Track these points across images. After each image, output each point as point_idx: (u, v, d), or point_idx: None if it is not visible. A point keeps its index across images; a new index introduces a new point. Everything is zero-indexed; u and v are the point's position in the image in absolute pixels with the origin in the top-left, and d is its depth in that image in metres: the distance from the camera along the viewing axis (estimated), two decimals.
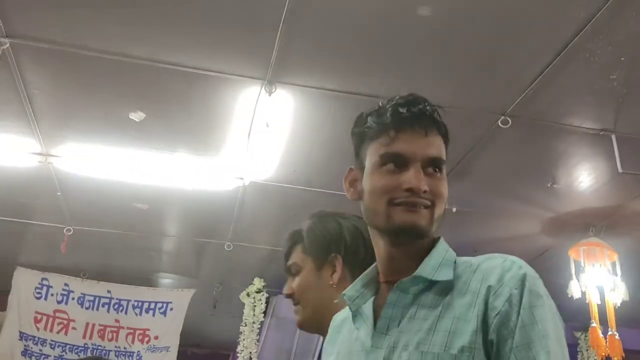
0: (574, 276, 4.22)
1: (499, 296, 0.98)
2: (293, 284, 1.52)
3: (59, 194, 4.20)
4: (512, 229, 4.60)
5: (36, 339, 5.21)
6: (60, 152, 3.74)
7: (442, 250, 1.12)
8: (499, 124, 3.24)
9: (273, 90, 3.06)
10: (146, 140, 3.61)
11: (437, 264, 1.08)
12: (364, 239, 1.50)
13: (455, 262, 1.09)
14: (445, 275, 1.06)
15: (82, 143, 3.66)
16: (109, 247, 5.11)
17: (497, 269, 1.03)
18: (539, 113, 3.19)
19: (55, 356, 5.23)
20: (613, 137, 3.31)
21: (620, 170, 3.34)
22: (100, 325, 5.37)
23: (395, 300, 1.07)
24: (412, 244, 1.11)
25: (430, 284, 1.06)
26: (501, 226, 4.56)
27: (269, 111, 3.24)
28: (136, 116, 3.32)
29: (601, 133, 3.31)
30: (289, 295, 1.52)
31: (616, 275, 4.17)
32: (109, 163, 3.84)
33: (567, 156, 3.59)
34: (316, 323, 1.48)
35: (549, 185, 3.91)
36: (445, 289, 1.05)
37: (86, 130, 3.53)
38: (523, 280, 0.99)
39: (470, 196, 4.15)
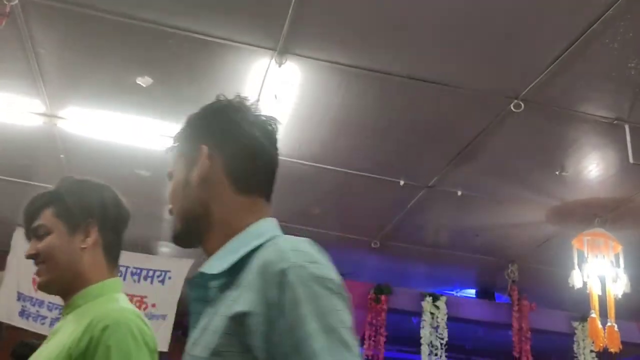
0: (576, 266, 4.19)
1: (256, 293, 0.87)
2: (39, 245, 1.50)
3: (62, 156, 4.16)
4: (516, 215, 4.56)
5: (34, 300, 5.22)
6: (65, 114, 3.69)
7: (237, 241, 1.02)
8: (512, 107, 3.18)
9: (283, 62, 3.01)
10: (152, 107, 3.56)
11: (222, 255, 1.01)
12: (121, 208, 1.66)
13: (255, 249, 0.97)
14: (217, 267, 0.98)
15: (88, 106, 3.61)
16: None
17: (262, 260, 0.91)
18: (552, 99, 3.13)
19: (52, 318, 5.23)
20: (627, 127, 3.25)
21: (631, 161, 3.29)
22: None
23: (196, 296, 1.02)
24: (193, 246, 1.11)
25: (225, 277, 0.97)
26: (505, 212, 4.52)
27: (277, 83, 3.18)
28: (143, 81, 3.27)
29: (615, 122, 3.26)
30: (31, 256, 1.50)
31: (619, 267, 4.14)
32: (113, 128, 3.79)
33: (578, 144, 3.54)
34: (60, 286, 1.50)
35: (557, 173, 3.86)
36: (228, 282, 0.95)
37: (92, 93, 3.48)
38: (283, 275, 0.85)
39: (476, 180, 4.11)
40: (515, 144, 3.66)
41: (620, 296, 4.16)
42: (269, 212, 1.13)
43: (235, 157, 1.10)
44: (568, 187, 4.05)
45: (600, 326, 4.25)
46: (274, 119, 1.16)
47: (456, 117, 3.41)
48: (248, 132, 1.12)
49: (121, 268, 5.37)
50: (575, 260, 4.22)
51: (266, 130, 1.16)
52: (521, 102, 3.15)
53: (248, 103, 1.14)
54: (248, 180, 1.11)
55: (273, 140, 1.17)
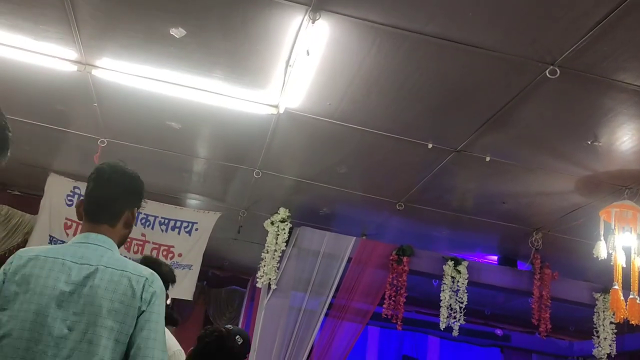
0: (602, 237, 4.16)
1: None
2: None
3: (95, 104, 4.23)
4: (544, 184, 4.52)
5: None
6: (99, 62, 3.73)
7: None
8: (547, 74, 3.12)
9: (317, 18, 2.98)
10: (184, 59, 3.57)
11: None
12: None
13: None
14: None
15: (122, 55, 3.64)
16: (140, 162, 5.17)
17: None
18: (590, 66, 3.06)
19: None
20: None
21: None
22: None
23: None
24: None
25: None
26: (533, 180, 4.49)
27: (310, 39, 3.16)
28: (177, 32, 3.27)
29: None
30: None
31: None
32: (146, 78, 3.82)
33: (613, 114, 3.47)
34: None
35: (589, 142, 3.80)
36: None
37: (126, 43, 3.51)
38: None
39: (506, 146, 4.07)
40: (548, 111, 3.60)
41: None
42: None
43: None
44: (599, 158, 3.99)
45: (622, 298, 4.24)
46: None
47: (489, 81, 3.36)
48: None
49: (150, 217, 5.50)
50: (602, 232, 4.19)
51: None
52: (557, 69, 3.09)
53: None
54: None
55: None
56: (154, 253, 5.53)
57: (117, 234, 1.88)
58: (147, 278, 1.76)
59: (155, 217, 5.58)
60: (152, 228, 5.59)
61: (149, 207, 5.58)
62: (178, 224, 5.62)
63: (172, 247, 5.58)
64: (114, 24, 3.35)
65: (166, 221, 5.59)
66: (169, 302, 7.87)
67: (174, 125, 4.40)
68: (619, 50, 2.91)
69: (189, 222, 5.63)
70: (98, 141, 4.76)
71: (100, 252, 1.79)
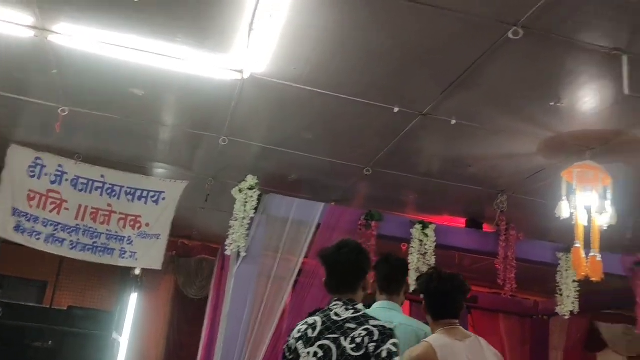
0: (564, 197, 4.24)
1: None
2: None
3: (55, 71, 4.11)
4: (508, 146, 4.58)
5: (29, 215, 5.29)
6: (56, 27, 3.62)
7: None
8: (510, 34, 3.13)
9: None
10: (146, 23, 3.49)
11: None
12: None
13: None
14: None
15: (80, 20, 3.53)
16: (104, 131, 5.08)
17: None
18: (552, 26, 3.08)
19: (47, 234, 5.33)
20: (624, 57, 3.21)
21: (626, 92, 3.28)
22: (92, 208, 5.45)
23: None
24: None
25: None
26: (498, 143, 4.54)
27: (273, 2, 3.11)
28: None
29: (613, 52, 3.21)
30: None
31: (606, 199, 4.19)
32: (107, 44, 3.73)
33: (575, 74, 3.51)
34: None
35: (552, 104, 3.85)
36: None
37: (85, 7, 3.41)
38: None
39: (471, 109, 4.10)
40: (511, 73, 3.62)
41: (605, 227, 4.24)
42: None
43: None
44: (562, 119, 4.05)
45: (583, 256, 4.35)
46: None
47: (453, 43, 3.36)
48: None
49: (116, 188, 5.43)
50: (564, 192, 4.27)
51: None
52: (520, 29, 3.10)
53: None
54: None
55: None
56: (121, 223, 5.48)
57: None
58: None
59: (122, 187, 5.51)
60: (119, 198, 5.53)
61: (115, 177, 5.51)
62: (145, 193, 5.56)
63: (140, 216, 5.53)
64: None
65: (132, 191, 5.53)
66: (138, 272, 7.87)
67: (137, 92, 4.31)
68: (578, 10, 2.92)
69: (155, 192, 5.58)
70: (59, 110, 4.64)
71: None
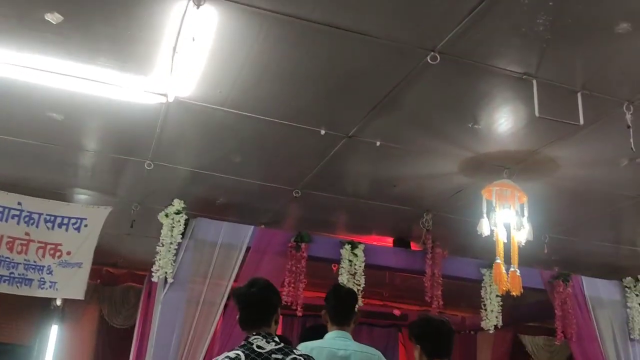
0: (484, 215, 4.41)
1: None
2: None
3: None
4: (431, 166, 4.72)
5: None
6: None
7: None
8: (428, 59, 3.25)
9: (202, 3, 2.93)
10: (64, 46, 3.39)
11: None
12: None
13: None
14: None
15: None
16: (20, 157, 4.88)
17: None
18: (466, 52, 3.22)
19: None
20: (534, 81, 3.40)
21: (537, 114, 3.46)
22: (9, 237, 5.19)
23: None
24: None
25: None
26: (421, 163, 4.68)
27: (196, 25, 3.10)
28: (52, 17, 3.10)
29: (523, 77, 3.39)
30: None
31: (523, 216, 4.39)
32: (23, 67, 3.60)
33: (489, 97, 3.68)
34: None
35: (470, 125, 4.01)
36: None
37: None
38: None
39: (394, 131, 4.21)
40: (431, 96, 3.75)
41: (523, 243, 4.43)
42: None
43: None
44: (479, 140, 4.22)
45: (504, 271, 4.52)
46: None
47: (375, 67, 3.45)
48: None
49: (34, 215, 5.22)
50: (484, 210, 4.44)
51: None
52: (437, 55, 3.23)
53: None
54: None
55: None
56: (40, 252, 5.25)
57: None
58: None
59: (40, 214, 5.29)
60: (37, 226, 5.30)
61: (33, 204, 5.29)
62: (65, 220, 5.35)
63: (60, 244, 5.31)
64: None
65: (52, 218, 5.31)
66: (59, 302, 7.54)
67: (56, 116, 4.18)
68: (491, 37, 3.08)
69: (77, 218, 5.38)
70: None
71: None
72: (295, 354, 2.55)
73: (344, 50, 3.31)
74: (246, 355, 2.49)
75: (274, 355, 2.50)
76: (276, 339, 2.61)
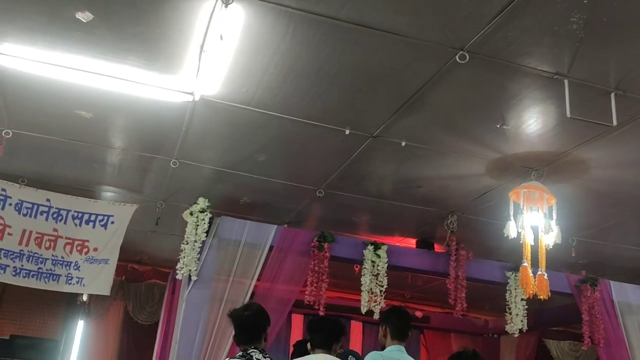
0: (512, 217, 4.35)
1: None
2: None
3: None
4: (457, 167, 4.67)
5: None
6: (1, 48, 3.52)
7: None
8: (457, 59, 3.22)
9: (230, 2, 2.93)
10: (93, 44, 3.43)
11: None
12: None
13: None
14: None
15: (24, 40, 3.44)
16: (49, 154, 4.95)
17: None
18: (497, 51, 3.17)
19: None
20: (566, 81, 3.34)
21: (569, 115, 3.40)
22: (37, 233, 5.27)
23: None
24: None
25: None
26: (447, 164, 4.63)
27: (224, 24, 3.11)
28: (83, 16, 3.13)
29: (555, 77, 3.34)
30: None
31: (552, 219, 4.31)
32: (53, 65, 3.64)
33: (519, 98, 3.62)
34: None
35: (498, 126, 3.96)
36: None
37: (28, 27, 3.32)
38: None
39: (420, 131, 4.17)
40: (459, 96, 3.71)
41: (551, 246, 4.35)
42: None
43: None
44: (508, 141, 4.17)
45: (531, 275, 4.45)
46: None
47: (403, 66, 3.43)
48: None
49: (62, 212, 5.29)
50: (511, 212, 4.38)
51: None
52: (466, 54, 3.19)
53: None
54: None
55: None
56: (68, 248, 5.32)
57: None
58: None
59: (68, 211, 5.35)
60: (65, 223, 5.37)
61: (61, 201, 5.36)
62: (92, 217, 5.42)
63: (87, 241, 5.38)
64: (13, 6, 3.16)
65: (80, 215, 5.38)
66: (85, 298, 7.64)
67: (84, 114, 4.22)
68: (522, 36, 3.03)
69: (104, 215, 5.44)
70: (2, 132, 4.50)
71: None
72: None
73: (371, 49, 3.29)
74: None
75: None
76: (267, 355, 3.17)
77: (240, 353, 3.14)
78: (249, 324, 3.23)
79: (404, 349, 3.74)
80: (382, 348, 3.79)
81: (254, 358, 3.09)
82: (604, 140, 3.99)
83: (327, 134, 4.23)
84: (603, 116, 3.49)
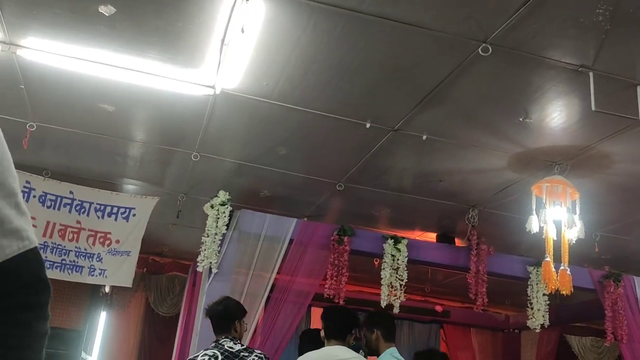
0: (534, 211, 4.30)
1: None
2: None
3: (22, 87, 4.04)
4: (479, 161, 4.63)
5: None
6: (24, 42, 3.56)
7: None
8: (480, 51, 3.18)
9: None
10: (115, 38, 3.45)
11: None
12: None
13: None
14: None
15: (48, 34, 3.48)
16: (73, 147, 5.01)
17: None
18: (520, 43, 3.13)
19: None
20: (591, 74, 3.29)
21: (593, 108, 3.34)
22: (61, 225, 5.34)
23: None
24: None
25: None
26: (468, 157, 4.59)
27: (245, 18, 3.11)
28: (106, 10, 3.16)
29: (579, 69, 3.29)
30: None
31: (575, 213, 4.26)
32: (75, 58, 3.68)
33: (542, 90, 3.57)
34: None
35: (520, 119, 3.91)
36: None
37: (53, 21, 3.36)
38: None
39: (441, 124, 4.14)
40: (481, 89, 3.67)
41: (574, 241, 4.30)
42: None
43: None
44: (530, 134, 4.12)
45: (553, 270, 4.41)
46: None
47: (424, 59, 3.40)
48: None
49: (85, 204, 5.34)
50: (534, 206, 4.33)
51: None
52: (489, 46, 3.15)
53: None
54: None
55: None
56: (90, 240, 5.38)
57: None
58: None
59: (91, 203, 5.42)
60: (88, 215, 5.43)
61: (84, 193, 5.42)
62: (115, 209, 5.47)
63: (109, 233, 5.44)
64: (39, 2, 3.19)
65: (102, 207, 5.44)
66: (107, 290, 7.73)
67: (107, 107, 4.26)
68: (546, 27, 2.99)
69: (126, 208, 5.50)
70: (27, 125, 4.56)
71: None
72: (256, 352, 3.35)
73: (393, 42, 3.27)
74: (222, 353, 3.29)
75: (242, 354, 3.31)
76: (239, 342, 3.44)
77: (214, 344, 3.42)
78: (220, 316, 3.56)
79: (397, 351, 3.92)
80: (373, 351, 3.94)
81: (225, 346, 3.35)
82: (629, 134, 3.93)
83: (347, 127, 4.22)
84: (628, 109, 3.43)
